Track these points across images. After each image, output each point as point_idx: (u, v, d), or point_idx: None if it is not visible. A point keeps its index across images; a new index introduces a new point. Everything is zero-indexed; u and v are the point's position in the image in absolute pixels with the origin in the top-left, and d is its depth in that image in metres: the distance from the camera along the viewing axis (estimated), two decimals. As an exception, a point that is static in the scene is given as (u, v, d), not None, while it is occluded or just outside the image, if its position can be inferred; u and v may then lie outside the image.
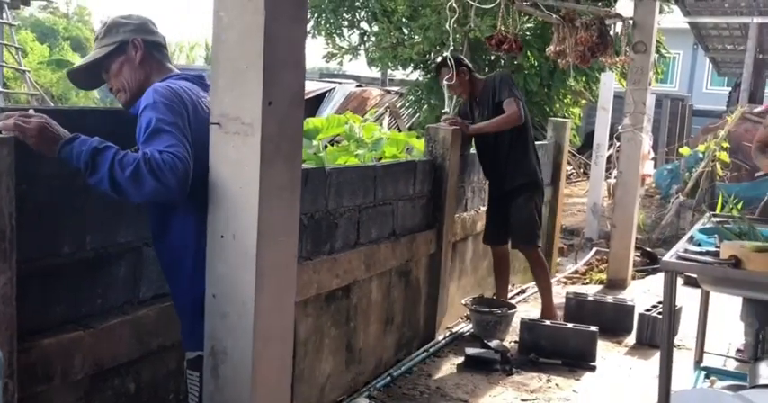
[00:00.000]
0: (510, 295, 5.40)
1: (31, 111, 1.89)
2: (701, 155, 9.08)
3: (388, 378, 3.88)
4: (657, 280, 6.13)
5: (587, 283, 6.36)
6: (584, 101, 11.70)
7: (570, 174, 12.86)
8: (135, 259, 2.35)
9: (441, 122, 4.71)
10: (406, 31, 11.38)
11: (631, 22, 6.03)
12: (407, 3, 10.96)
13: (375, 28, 11.80)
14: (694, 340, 3.73)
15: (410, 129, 11.46)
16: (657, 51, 9.72)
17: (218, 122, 1.95)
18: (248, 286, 1.94)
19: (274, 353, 2.07)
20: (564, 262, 7.43)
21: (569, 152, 10.10)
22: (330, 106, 14.78)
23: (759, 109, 10.67)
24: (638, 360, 4.47)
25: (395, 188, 4.01)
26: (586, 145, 12.88)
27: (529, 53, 9.87)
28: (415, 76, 12.12)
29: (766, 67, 15.02)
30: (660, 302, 4.24)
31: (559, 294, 5.44)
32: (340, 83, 16.46)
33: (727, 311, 3.78)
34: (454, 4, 5.43)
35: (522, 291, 5.79)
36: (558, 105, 10.82)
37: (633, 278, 6.39)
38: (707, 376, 3.50)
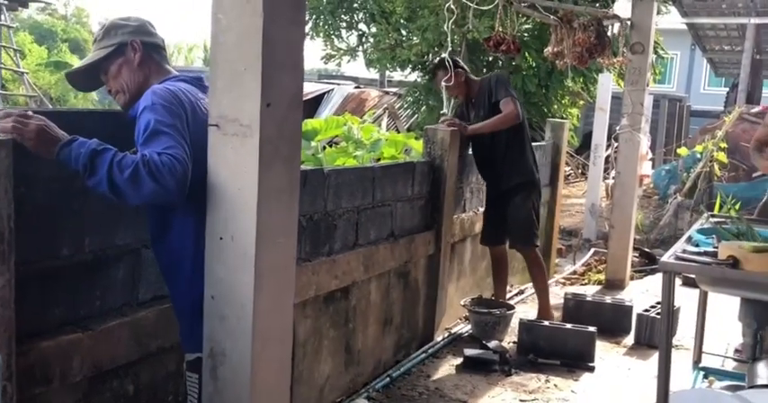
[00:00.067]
0: (508, 296, 5.40)
1: (30, 113, 1.89)
2: (698, 155, 9.09)
3: (387, 379, 3.88)
4: (656, 280, 6.13)
5: (586, 284, 6.36)
6: (582, 102, 11.72)
7: (568, 175, 12.86)
8: (134, 261, 2.35)
9: (439, 123, 4.71)
10: (404, 32, 11.39)
11: (629, 22, 6.03)
12: (405, 4, 10.96)
13: (373, 29, 11.81)
14: (693, 340, 3.74)
15: (408, 130, 11.46)
16: (655, 52, 9.72)
17: (217, 124, 1.95)
18: (247, 288, 1.94)
19: (273, 354, 2.07)
20: (562, 262, 7.43)
21: (567, 153, 10.11)
22: (328, 107, 14.79)
23: (756, 109, 10.70)
24: (636, 360, 4.47)
25: (393, 189, 4.01)
26: (584, 146, 12.89)
27: (527, 54, 9.88)
28: (414, 77, 12.14)
29: (763, 67, 15.07)
30: (658, 303, 4.24)
31: (558, 295, 5.45)
32: (338, 84, 16.49)
33: (726, 311, 3.79)
34: (452, 6, 5.43)
35: (521, 292, 5.79)
36: (555, 106, 10.83)
37: (631, 278, 6.40)
38: (705, 376, 3.50)
